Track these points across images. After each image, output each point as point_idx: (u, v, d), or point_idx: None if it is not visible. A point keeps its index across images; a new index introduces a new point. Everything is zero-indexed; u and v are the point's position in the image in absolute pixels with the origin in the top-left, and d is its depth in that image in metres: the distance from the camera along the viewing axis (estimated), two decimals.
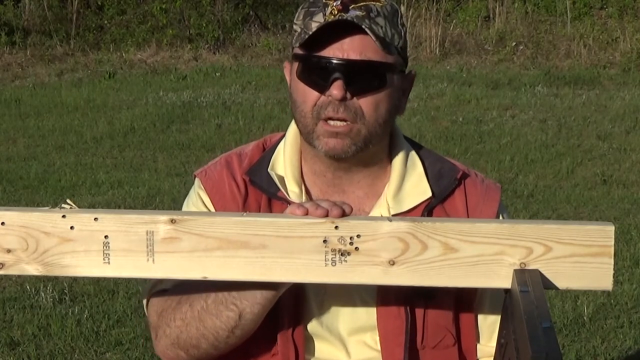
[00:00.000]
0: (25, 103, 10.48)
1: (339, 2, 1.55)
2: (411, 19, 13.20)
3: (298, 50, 1.58)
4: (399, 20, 1.59)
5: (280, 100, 10.14)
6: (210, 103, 10.13)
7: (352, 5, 1.55)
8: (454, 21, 13.72)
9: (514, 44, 12.96)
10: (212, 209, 1.65)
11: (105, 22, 14.35)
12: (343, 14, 1.54)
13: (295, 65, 1.59)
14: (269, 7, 14.60)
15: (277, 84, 11.19)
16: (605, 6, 13.90)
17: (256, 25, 14.11)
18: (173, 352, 1.58)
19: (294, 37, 1.60)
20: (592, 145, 8.24)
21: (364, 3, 1.56)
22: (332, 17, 1.54)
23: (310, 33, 1.53)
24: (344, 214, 1.42)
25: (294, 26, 1.61)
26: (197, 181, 1.70)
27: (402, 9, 13.26)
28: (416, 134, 8.32)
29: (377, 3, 1.57)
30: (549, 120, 9.21)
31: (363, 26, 1.52)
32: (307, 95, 1.57)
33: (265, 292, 1.48)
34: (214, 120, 9.25)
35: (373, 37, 1.52)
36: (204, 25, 13.66)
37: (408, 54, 1.67)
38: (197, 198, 1.68)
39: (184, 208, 1.71)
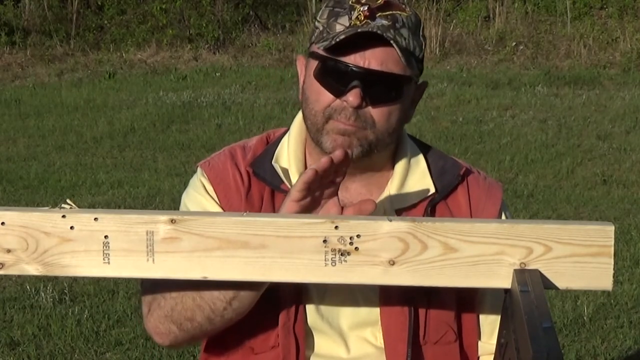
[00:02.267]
0: (25, 103, 10.48)
1: (366, 8, 1.54)
2: None
3: (317, 50, 1.57)
4: (420, 31, 1.59)
5: (280, 100, 10.15)
6: (210, 103, 10.13)
7: (379, 13, 1.54)
8: (454, 21, 13.72)
9: (514, 44, 12.96)
10: (215, 198, 1.65)
11: (105, 22, 14.36)
12: (369, 21, 1.53)
13: (313, 63, 1.58)
14: (269, 7, 14.61)
15: (277, 84, 11.20)
16: (605, 6, 13.91)
17: (256, 25, 14.12)
18: (165, 326, 1.57)
19: (315, 35, 1.59)
20: (592, 145, 8.24)
21: (391, 12, 1.55)
22: (358, 22, 1.53)
23: (338, 40, 1.52)
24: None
25: (316, 23, 1.60)
26: (199, 170, 1.69)
27: None
28: (416, 134, 8.21)
29: (403, 13, 1.56)
30: (549, 120, 9.22)
31: (391, 42, 1.51)
32: (321, 95, 1.57)
33: None
34: (214, 120, 9.25)
35: (399, 52, 1.52)
36: (204, 25, 13.67)
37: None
38: (200, 185, 1.67)
39: (184, 198, 1.70)
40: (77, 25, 14.01)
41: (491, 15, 13.92)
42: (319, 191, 1.46)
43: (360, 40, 1.52)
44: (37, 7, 14.44)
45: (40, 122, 9.41)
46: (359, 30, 1.52)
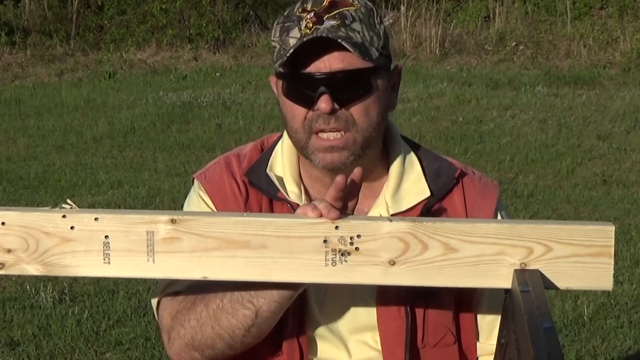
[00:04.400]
0: (25, 103, 10.48)
1: (312, 14, 1.54)
2: (411, 19, 13.20)
3: (280, 69, 1.57)
4: (375, 19, 1.58)
5: None
6: (210, 103, 10.13)
7: (326, 16, 1.54)
8: (454, 21, 13.72)
9: (514, 44, 12.95)
10: (214, 210, 1.65)
11: (105, 22, 14.35)
12: (318, 26, 1.53)
13: (280, 83, 1.59)
14: (269, 7, 14.60)
15: None
16: (605, 6, 13.90)
17: (256, 25, 14.11)
18: (187, 354, 1.58)
19: (275, 55, 1.59)
20: (592, 145, 8.23)
21: (338, 10, 1.54)
22: (308, 30, 1.53)
23: (289, 53, 1.52)
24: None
25: (272, 43, 1.61)
26: (196, 183, 1.69)
27: (402, 9, 13.26)
28: (416, 134, 8.31)
29: (351, 7, 1.55)
30: (549, 120, 9.21)
31: (339, 40, 1.50)
32: (295, 112, 1.57)
33: (283, 289, 1.47)
34: (214, 120, 9.25)
35: (351, 49, 1.50)
36: (204, 25, 13.66)
37: (392, 50, 1.66)
38: (199, 200, 1.67)
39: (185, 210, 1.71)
40: (77, 25, 14.00)
41: (491, 15, 13.91)
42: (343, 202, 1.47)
43: (315, 48, 1.52)
44: (37, 7, 14.43)
45: (40, 122, 9.40)
46: (305, 39, 1.51)
